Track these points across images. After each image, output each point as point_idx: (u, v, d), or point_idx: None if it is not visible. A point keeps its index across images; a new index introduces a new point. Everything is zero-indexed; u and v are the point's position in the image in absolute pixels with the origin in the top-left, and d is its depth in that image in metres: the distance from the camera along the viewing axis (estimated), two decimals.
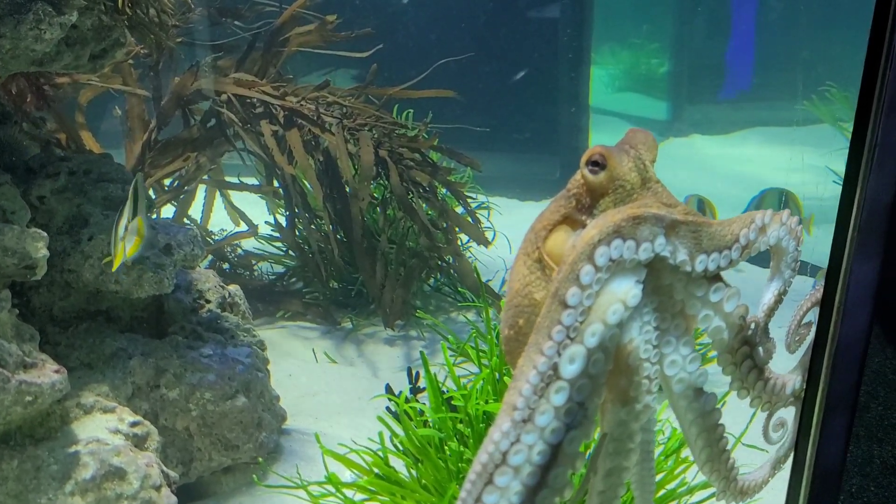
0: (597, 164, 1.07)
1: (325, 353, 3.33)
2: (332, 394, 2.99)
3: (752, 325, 1.13)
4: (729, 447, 1.16)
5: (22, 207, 2.13)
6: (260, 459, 2.35)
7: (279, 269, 4.00)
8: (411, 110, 4.34)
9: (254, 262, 4.07)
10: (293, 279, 3.89)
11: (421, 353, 2.14)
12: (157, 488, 1.94)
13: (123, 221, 2.16)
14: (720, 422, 1.13)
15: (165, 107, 3.46)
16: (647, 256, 1.04)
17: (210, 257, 4.03)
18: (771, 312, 1.16)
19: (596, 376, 1.02)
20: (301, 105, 3.39)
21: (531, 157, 5.35)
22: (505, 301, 1.19)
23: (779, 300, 1.18)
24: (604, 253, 1.02)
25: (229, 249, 4.11)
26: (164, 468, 2.03)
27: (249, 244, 4.13)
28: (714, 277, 1.09)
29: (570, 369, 1.00)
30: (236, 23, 3.86)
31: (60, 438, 1.95)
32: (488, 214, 3.98)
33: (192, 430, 2.30)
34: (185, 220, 3.96)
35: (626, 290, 1.03)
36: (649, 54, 11.68)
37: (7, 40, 2.12)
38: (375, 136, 3.35)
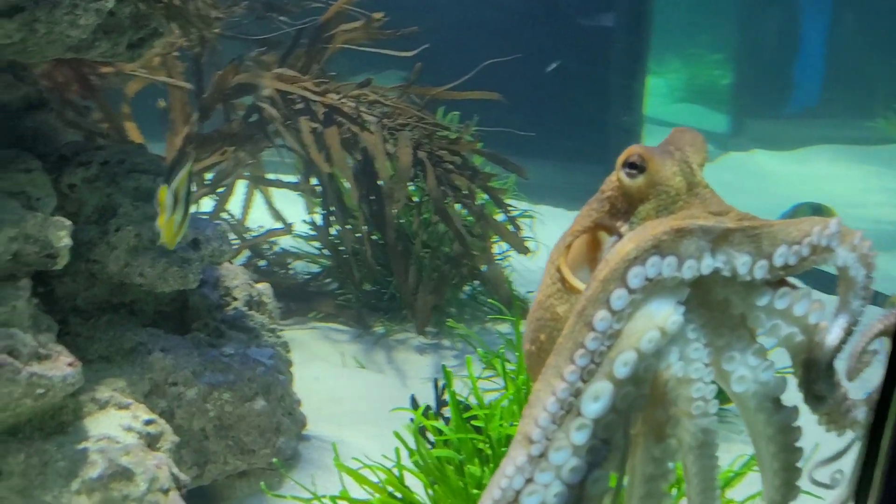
0: (635, 167, 0.97)
1: (354, 358, 3.26)
2: (357, 401, 2.92)
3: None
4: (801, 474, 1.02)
5: (48, 195, 2.10)
6: (275, 460, 2.28)
7: (315, 268, 3.95)
8: (457, 112, 4.26)
9: (289, 260, 4.03)
10: (328, 280, 3.83)
11: (443, 367, 2.05)
12: (165, 491, 1.88)
13: (168, 197, 2.11)
14: (799, 443, 1.00)
15: (206, 100, 3.43)
16: (691, 275, 0.92)
17: (247, 254, 4.00)
18: (836, 352, 1.00)
19: (626, 410, 0.92)
20: (342, 102, 3.33)
21: (580, 165, 5.22)
22: (529, 313, 1.09)
23: (846, 337, 1.02)
24: (639, 273, 0.91)
25: (266, 246, 4.07)
26: (175, 470, 1.97)
27: (287, 242, 4.09)
28: (778, 283, 0.97)
29: (593, 408, 0.89)
30: (282, 18, 3.82)
31: (71, 434, 1.91)
32: (531, 223, 3.87)
33: (208, 431, 2.24)
34: (224, 216, 3.94)
35: (666, 315, 0.91)
36: (711, 65, 11.46)
37: (42, 24, 2.08)
38: (415, 136, 3.27)
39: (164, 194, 2.11)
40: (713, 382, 0.95)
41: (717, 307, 0.97)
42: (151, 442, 2.02)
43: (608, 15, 5.18)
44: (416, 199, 3.41)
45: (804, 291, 0.97)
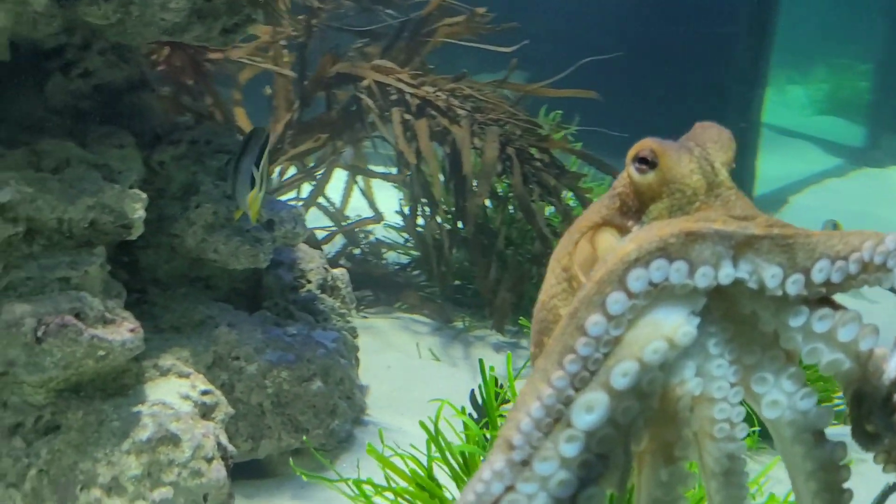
0: (646, 162, 0.88)
1: (430, 350, 3.27)
2: (425, 391, 2.91)
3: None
4: None
5: (129, 169, 2.21)
6: (305, 440, 2.32)
7: (405, 259, 3.99)
8: (560, 111, 4.20)
9: (383, 250, 4.09)
10: (416, 272, 3.86)
11: (480, 360, 2.02)
12: (209, 460, 1.94)
13: (256, 174, 2.19)
14: (847, 483, 0.88)
15: (307, 89, 3.52)
16: (706, 284, 0.83)
17: (343, 241, 4.09)
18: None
19: (628, 426, 0.83)
20: (437, 96, 3.34)
21: None
22: (534, 315, 1.04)
23: None
24: (640, 276, 0.82)
25: (362, 235, 4.15)
26: (224, 440, 2.04)
27: (383, 233, 4.15)
28: (819, 301, 0.85)
29: (586, 420, 0.80)
30: (388, 11, 3.88)
31: (130, 397, 2.00)
32: None
33: (265, 407, 2.30)
34: (323, 202, 4.04)
35: (675, 325, 0.82)
36: (858, 76, 10.84)
37: (136, 7, 2.19)
38: (505, 132, 3.24)
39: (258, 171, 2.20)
40: (741, 404, 0.86)
41: (744, 321, 0.87)
42: (206, 412, 2.10)
43: (727, 19, 4.97)
44: (501, 193, 3.38)
45: (852, 315, 0.85)
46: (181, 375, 2.14)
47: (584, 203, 3.34)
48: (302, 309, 2.59)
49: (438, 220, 3.47)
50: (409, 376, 3.04)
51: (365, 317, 3.63)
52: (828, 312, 0.85)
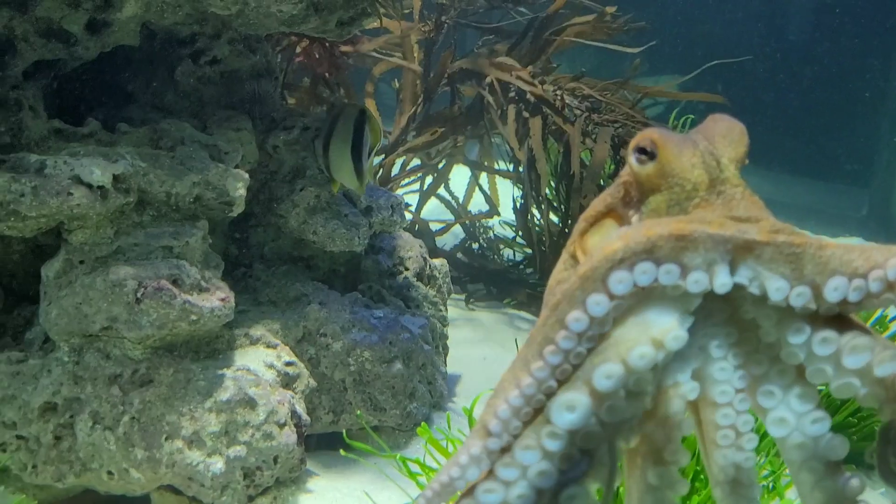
0: (645, 152, 0.84)
1: None
2: None
3: None
4: None
5: (236, 150, 2.37)
6: (359, 422, 2.39)
7: (520, 256, 4.01)
8: (692, 116, 4.08)
9: (501, 246, 4.13)
10: (529, 269, 3.88)
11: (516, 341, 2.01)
12: (281, 425, 2.06)
13: (339, 144, 2.32)
14: None
15: (430, 83, 3.62)
16: (699, 290, 0.79)
17: (462, 236, 4.17)
18: None
19: (615, 423, 0.80)
20: (554, 95, 3.34)
21: (835, 186, 4.75)
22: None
23: None
24: (624, 279, 0.78)
25: (481, 230, 4.21)
26: (300, 410, 2.15)
27: (501, 231, 4.19)
28: (828, 320, 0.79)
29: (567, 419, 0.77)
30: (520, 8, 3.91)
31: (219, 360, 2.16)
32: None
33: (347, 383, 2.40)
34: (445, 195, 4.13)
35: (665, 328, 0.78)
36: None
37: None
38: (619, 133, 3.20)
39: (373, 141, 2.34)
40: (748, 412, 0.82)
41: (750, 327, 0.82)
42: (288, 382, 2.22)
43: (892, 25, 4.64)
44: None
45: (863, 342, 0.77)
46: (269, 346, 2.28)
47: None
48: (395, 294, 2.69)
49: (553, 218, 3.48)
50: (503, 370, 3.06)
51: (473, 309, 3.69)
52: (831, 336, 0.78)
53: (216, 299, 2.10)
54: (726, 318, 0.82)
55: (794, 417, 0.81)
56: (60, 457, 2.01)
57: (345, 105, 2.49)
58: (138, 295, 1.99)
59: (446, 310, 2.87)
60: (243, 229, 2.67)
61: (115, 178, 2.05)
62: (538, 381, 0.78)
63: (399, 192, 3.98)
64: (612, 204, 0.92)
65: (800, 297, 0.78)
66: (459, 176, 4.17)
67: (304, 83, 3.72)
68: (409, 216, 3.56)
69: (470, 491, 0.80)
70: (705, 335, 0.82)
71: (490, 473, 0.79)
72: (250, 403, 2.05)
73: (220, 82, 2.71)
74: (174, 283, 2.05)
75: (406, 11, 3.85)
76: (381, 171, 3.60)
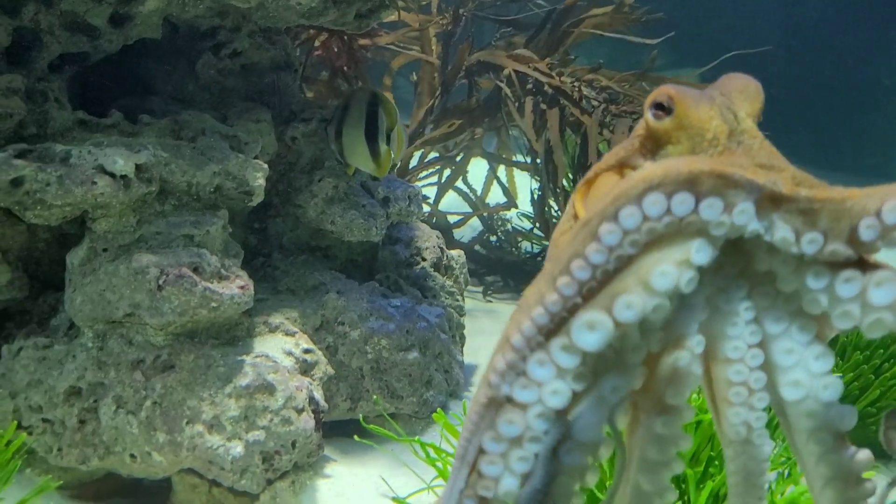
0: (662, 108, 0.83)
1: None
2: None
3: None
4: None
5: (255, 141, 2.41)
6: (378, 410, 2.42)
7: (538, 248, 4.03)
8: None
9: (519, 239, 4.15)
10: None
11: None
12: (299, 411, 2.10)
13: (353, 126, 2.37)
14: (871, 499, 0.81)
15: (448, 76, 3.64)
16: (724, 231, 0.76)
17: (480, 228, 4.19)
18: None
19: (624, 356, 0.78)
20: (572, 86, 3.36)
21: (855, 180, 4.70)
22: None
23: None
24: (658, 202, 0.75)
25: (499, 223, 4.23)
26: (317, 396, 2.19)
27: (519, 223, 4.21)
28: (846, 263, 0.77)
29: (587, 338, 0.74)
30: (539, 1, 3.92)
31: (238, 347, 2.20)
32: None
33: (365, 371, 2.44)
34: (463, 188, 4.15)
35: (688, 250, 0.75)
36: None
37: None
38: (636, 124, 3.21)
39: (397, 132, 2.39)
40: (761, 369, 0.80)
41: (763, 280, 0.80)
42: (306, 369, 2.26)
43: None
44: None
45: (888, 275, 0.75)
46: (287, 334, 2.31)
47: None
48: (412, 284, 2.72)
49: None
50: None
51: (490, 301, 3.71)
52: (854, 275, 0.76)
53: (236, 287, 2.14)
54: (739, 271, 0.81)
55: (810, 379, 0.79)
56: (85, 440, 2.05)
57: (356, 89, 2.53)
58: (160, 282, 2.04)
59: (463, 300, 2.90)
60: (262, 219, 2.71)
61: (138, 167, 2.09)
62: (564, 299, 0.75)
63: (417, 184, 4.01)
64: (624, 158, 0.89)
65: (811, 243, 0.77)
66: (477, 168, 4.19)
67: (322, 76, 3.75)
68: (427, 208, 3.59)
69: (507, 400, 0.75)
70: (717, 288, 0.81)
71: (522, 374, 0.75)
72: (269, 389, 2.09)
73: (240, 74, 2.75)
74: (195, 270, 2.09)
75: (424, 3, 3.88)
76: (398, 164, 3.62)
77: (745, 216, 0.76)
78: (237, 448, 2.03)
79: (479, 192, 4.24)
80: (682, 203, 0.75)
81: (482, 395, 0.78)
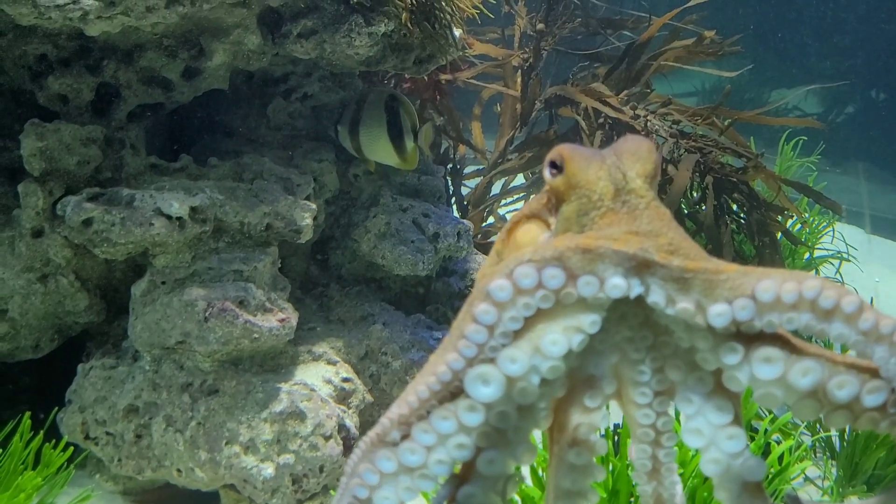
0: (555, 166, 0.90)
1: None
2: None
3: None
4: None
5: (307, 183, 2.60)
6: None
7: None
8: (804, 138, 3.94)
9: None
10: None
11: None
12: (327, 437, 2.26)
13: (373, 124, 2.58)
14: None
15: (525, 108, 3.72)
16: (598, 295, 0.82)
17: None
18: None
19: (527, 407, 0.84)
20: (645, 120, 3.36)
21: None
22: None
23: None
24: (529, 274, 0.82)
25: None
26: (349, 423, 2.34)
27: None
28: (761, 338, 0.79)
29: (482, 391, 0.80)
30: (626, 32, 3.93)
31: (279, 374, 2.38)
32: (838, 266, 3.46)
33: None
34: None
35: (579, 323, 0.81)
36: None
37: (328, 45, 2.56)
38: (706, 160, 3.17)
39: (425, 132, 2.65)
40: (667, 414, 0.85)
41: (666, 332, 0.85)
42: (344, 396, 2.42)
43: None
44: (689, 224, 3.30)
45: (775, 354, 0.78)
46: (329, 362, 2.48)
47: (790, 238, 3.15)
48: None
49: None
50: None
51: None
52: (734, 346, 0.79)
53: (276, 320, 2.33)
54: (641, 321, 0.85)
55: (710, 429, 0.81)
56: (140, 453, 2.30)
57: (369, 91, 2.71)
58: (206, 314, 2.25)
59: None
60: (324, 251, 2.90)
61: (193, 209, 2.32)
62: (453, 372, 0.82)
63: (501, 210, 4.11)
64: (536, 209, 0.96)
65: (685, 312, 0.80)
66: None
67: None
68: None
69: (394, 454, 0.82)
70: (622, 337, 0.85)
71: (406, 436, 0.82)
72: (300, 416, 2.26)
73: (310, 116, 2.96)
74: (240, 304, 2.30)
75: (509, 34, 3.98)
76: (428, 155, 3.68)
77: (617, 290, 0.81)
78: (269, 469, 2.21)
79: None
80: (553, 277, 0.81)
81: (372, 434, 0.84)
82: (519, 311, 0.81)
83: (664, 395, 0.84)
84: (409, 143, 2.63)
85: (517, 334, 0.82)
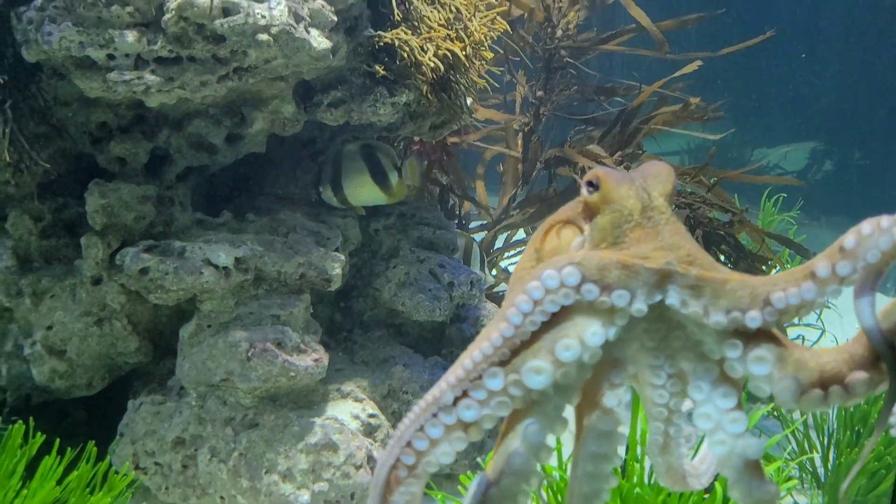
0: (592, 185, 1.06)
1: None
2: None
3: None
4: None
5: (336, 236, 2.87)
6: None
7: None
8: (784, 195, 4.25)
9: None
10: None
11: None
12: (357, 467, 2.49)
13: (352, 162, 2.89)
14: None
15: (526, 168, 4.03)
16: (622, 304, 0.96)
17: None
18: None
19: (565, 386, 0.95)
20: None
21: None
22: None
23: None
24: (573, 273, 0.95)
25: None
26: (376, 455, 2.57)
27: None
28: (758, 336, 0.93)
29: (534, 380, 0.91)
30: (618, 98, 4.26)
31: (313, 410, 2.62)
32: (819, 313, 3.74)
33: None
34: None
35: (591, 331, 0.94)
36: None
37: (355, 113, 2.86)
38: (695, 215, 3.47)
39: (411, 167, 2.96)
40: (679, 395, 1.00)
41: (675, 325, 0.97)
42: (370, 431, 2.65)
43: None
44: None
45: (761, 353, 0.91)
46: (356, 400, 2.72)
47: None
48: None
49: None
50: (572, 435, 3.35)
51: None
52: (734, 342, 0.92)
53: (310, 360, 2.58)
54: (657, 316, 1.00)
55: (718, 414, 0.93)
56: (186, 482, 2.52)
57: (340, 147, 3.02)
58: (248, 354, 2.50)
59: None
60: (347, 299, 3.16)
61: (237, 260, 2.59)
62: (504, 338, 0.93)
63: (503, 263, 4.39)
64: (571, 216, 1.11)
65: (696, 312, 0.95)
66: None
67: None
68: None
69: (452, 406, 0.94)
70: (641, 329, 1.00)
71: (463, 395, 0.93)
72: (333, 447, 2.49)
73: None
74: (278, 345, 2.55)
75: (510, 99, 4.31)
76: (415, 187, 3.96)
77: (640, 313, 0.97)
78: (304, 496, 2.43)
79: None
80: (589, 292, 0.95)
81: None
82: (559, 298, 0.96)
83: (675, 377, 1.00)
84: (394, 178, 2.94)
85: (558, 323, 0.96)
